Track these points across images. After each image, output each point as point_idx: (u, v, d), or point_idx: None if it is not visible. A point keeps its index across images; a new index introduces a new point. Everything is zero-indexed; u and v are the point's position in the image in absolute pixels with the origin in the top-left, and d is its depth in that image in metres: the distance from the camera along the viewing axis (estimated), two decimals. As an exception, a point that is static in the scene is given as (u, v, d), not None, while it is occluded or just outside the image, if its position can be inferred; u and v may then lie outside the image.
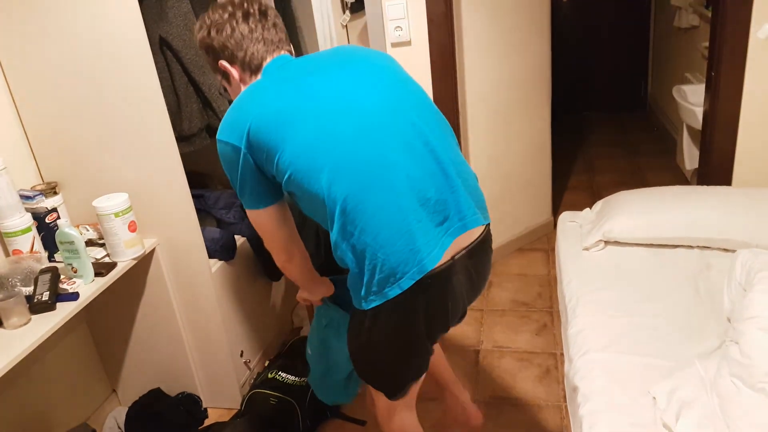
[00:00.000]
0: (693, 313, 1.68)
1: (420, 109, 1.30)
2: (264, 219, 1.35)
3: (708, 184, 2.57)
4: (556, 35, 3.10)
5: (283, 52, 1.35)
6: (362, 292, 1.23)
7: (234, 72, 1.34)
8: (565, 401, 2.04)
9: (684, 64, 4.10)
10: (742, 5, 2.25)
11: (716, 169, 2.57)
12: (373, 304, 1.23)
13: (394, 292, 1.20)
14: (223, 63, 1.34)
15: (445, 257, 1.25)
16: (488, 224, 1.38)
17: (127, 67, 1.73)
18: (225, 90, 1.47)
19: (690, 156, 3.49)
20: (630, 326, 1.65)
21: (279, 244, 1.40)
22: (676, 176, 3.81)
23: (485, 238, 1.35)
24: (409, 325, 1.27)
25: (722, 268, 1.83)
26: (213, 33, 1.32)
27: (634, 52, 5.19)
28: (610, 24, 5.15)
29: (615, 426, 1.33)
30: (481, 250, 1.34)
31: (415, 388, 1.45)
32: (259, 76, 1.32)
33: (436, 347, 1.65)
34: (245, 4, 1.32)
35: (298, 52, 2.60)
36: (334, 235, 1.21)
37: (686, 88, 3.37)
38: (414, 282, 1.20)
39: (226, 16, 1.31)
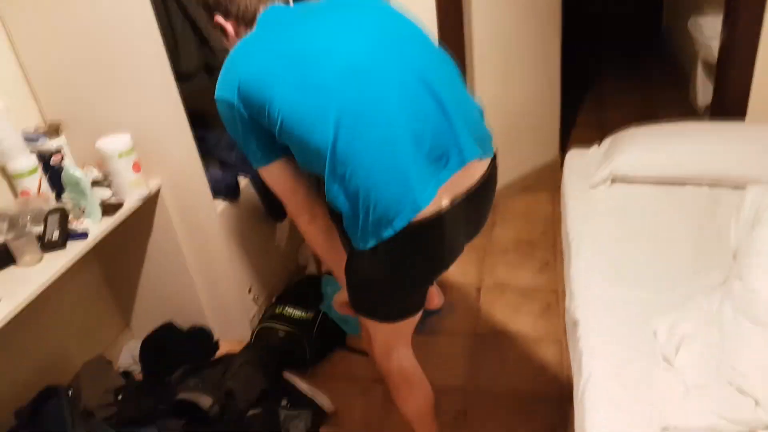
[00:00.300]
0: (698, 250, 1.68)
1: (417, 46, 1.26)
2: (277, 175, 1.32)
3: (721, 120, 2.53)
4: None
5: (276, 1, 1.32)
6: (358, 233, 1.24)
7: (229, 27, 1.32)
8: (565, 335, 2.09)
9: (701, -7, 3.94)
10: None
11: (730, 104, 2.52)
12: (370, 245, 1.23)
13: (388, 233, 1.19)
14: (219, 18, 1.32)
15: (443, 199, 1.23)
16: (493, 159, 1.35)
17: (124, 4, 1.69)
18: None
19: (703, 91, 3.41)
20: (633, 262, 1.66)
21: (299, 202, 1.37)
22: (688, 112, 3.72)
23: (488, 177, 1.32)
24: (406, 265, 1.27)
25: (731, 204, 1.82)
26: None
27: (650, -19, 5.00)
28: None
29: (614, 359, 1.36)
30: (482, 192, 1.32)
31: (411, 324, 1.47)
32: (254, 28, 1.30)
33: None
34: None
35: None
36: (326, 179, 1.20)
37: (702, 19, 3.26)
38: (408, 222, 1.18)
39: None
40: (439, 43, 1.42)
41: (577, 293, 1.62)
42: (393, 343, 1.49)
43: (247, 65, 1.20)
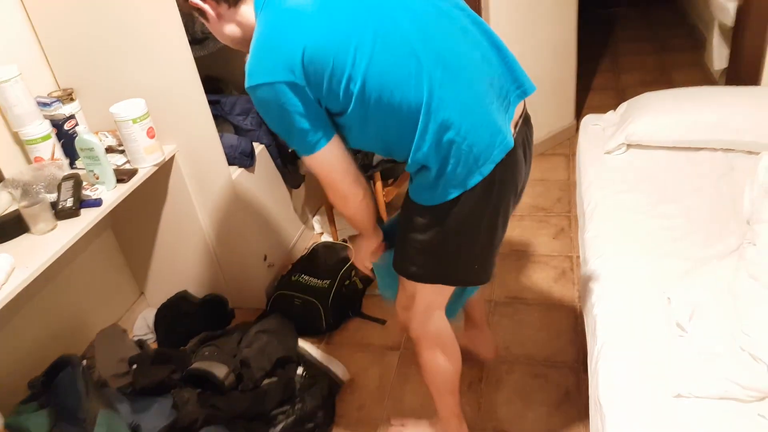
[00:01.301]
0: (713, 216, 1.67)
1: None
2: (333, 156, 1.21)
3: (737, 84, 2.48)
4: None
5: None
6: (440, 188, 1.21)
7: (208, 8, 1.19)
8: (580, 302, 2.09)
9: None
10: None
11: (746, 68, 2.48)
12: (451, 196, 1.22)
13: (475, 180, 1.20)
14: (194, 1, 1.19)
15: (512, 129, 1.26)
16: None
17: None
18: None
19: (719, 55, 3.34)
20: (648, 228, 1.65)
21: (353, 180, 1.27)
22: (704, 75, 3.67)
23: (526, 113, 1.36)
24: (484, 208, 1.26)
25: (746, 170, 1.80)
26: None
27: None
28: None
29: (628, 326, 1.36)
30: (527, 123, 1.36)
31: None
32: (241, 8, 1.19)
33: None
34: None
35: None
36: (416, 139, 1.16)
37: (722, -20, 3.17)
38: (495, 165, 1.20)
39: None
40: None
41: (591, 260, 1.61)
42: (436, 305, 1.48)
43: (308, 37, 1.08)
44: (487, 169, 1.20)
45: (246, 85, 1.12)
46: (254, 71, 1.11)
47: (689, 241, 1.59)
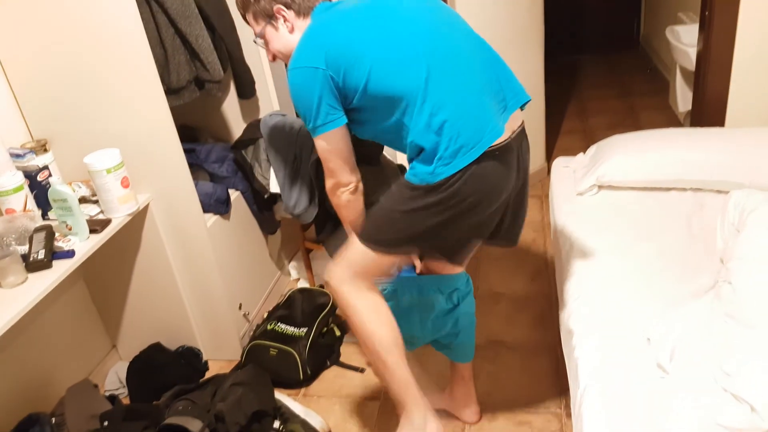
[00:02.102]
0: (686, 254, 1.71)
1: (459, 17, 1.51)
2: (339, 137, 1.42)
3: (701, 126, 2.57)
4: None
5: None
6: (432, 166, 1.35)
7: (289, 15, 1.45)
8: (561, 344, 2.09)
9: (677, 3, 4.03)
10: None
11: (709, 110, 2.57)
12: (441, 177, 1.35)
13: (464, 161, 1.34)
14: (280, 8, 1.45)
15: (506, 133, 1.40)
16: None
17: (113, 20, 1.68)
18: (254, 42, 1.56)
19: (683, 97, 3.48)
20: (624, 268, 1.68)
21: (352, 166, 1.47)
22: (669, 118, 3.80)
23: (523, 125, 1.52)
24: (474, 195, 1.38)
25: (715, 208, 1.85)
26: None
27: (627, -7, 5.10)
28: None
29: (609, 368, 1.37)
30: (524, 135, 1.52)
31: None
32: (309, 20, 1.46)
33: None
34: None
35: None
36: (413, 122, 1.35)
37: (679, 28, 3.33)
38: (485, 149, 1.35)
39: None
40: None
41: (569, 302, 1.62)
42: (374, 272, 1.54)
43: (334, 35, 1.37)
44: (478, 151, 1.34)
45: (289, 67, 1.39)
46: (297, 58, 1.38)
47: (664, 280, 1.61)
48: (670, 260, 1.69)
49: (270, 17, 1.46)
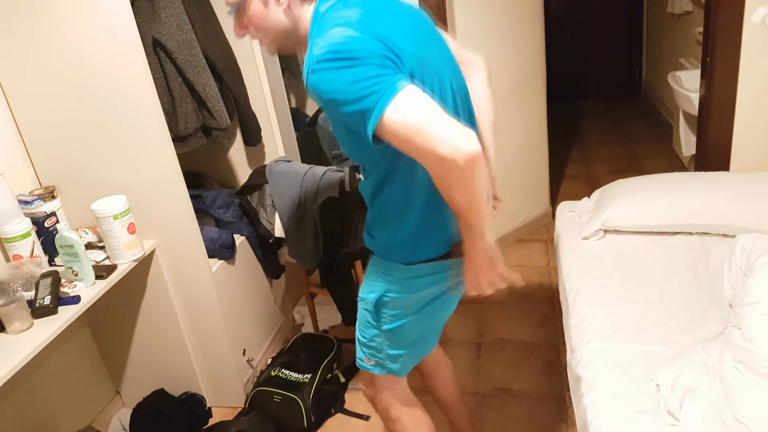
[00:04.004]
0: (694, 299, 1.69)
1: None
2: (418, 95, 1.04)
3: (706, 170, 2.58)
4: (549, 23, 3.10)
5: None
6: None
7: None
8: (569, 391, 2.05)
9: (679, 49, 4.09)
10: (735, -10, 2.25)
11: (714, 155, 2.57)
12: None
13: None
14: None
15: None
16: None
17: (121, 69, 1.72)
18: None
19: (687, 142, 3.49)
20: (631, 314, 1.66)
21: (451, 121, 1.04)
22: (673, 162, 3.81)
23: None
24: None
25: (722, 253, 1.84)
26: None
27: (627, 39, 5.19)
28: (602, 11, 5.14)
29: (619, 414, 1.34)
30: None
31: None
32: (312, 5, 1.20)
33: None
34: None
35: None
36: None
37: (681, 74, 3.37)
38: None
39: None
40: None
41: (577, 348, 1.60)
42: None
43: (374, 24, 1.10)
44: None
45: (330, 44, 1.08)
46: (343, 32, 1.09)
47: (672, 326, 1.59)
48: (677, 305, 1.67)
49: None
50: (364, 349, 1.45)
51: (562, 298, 1.95)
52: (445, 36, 1.36)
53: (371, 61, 1.04)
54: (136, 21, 1.70)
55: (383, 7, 1.17)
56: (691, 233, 2.00)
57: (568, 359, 1.66)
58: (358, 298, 1.42)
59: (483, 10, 2.63)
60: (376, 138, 1.07)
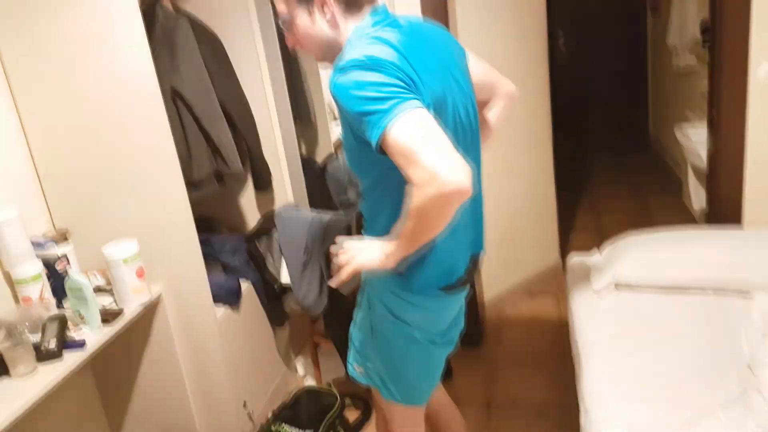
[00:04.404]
0: (711, 360, 1.65)
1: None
2: (428, 117, 1.09)
3: (717, 225, 2.56)
4: (555, 78, 3.15)
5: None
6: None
7: (333, 7, 1.27)
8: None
9: (685, 103, 4.14)
10: (739, 45, 2.26)
11: (725, 209, 2.55)
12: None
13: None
14: None
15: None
16: None
17: (141, 118, 1.75)
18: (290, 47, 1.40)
19: (697, 196, 3.48)
20: (647, 374, 1.62)
21: (448, 141, 1.08)
22: (684, 216, 3.79)
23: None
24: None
25: (738, 312, 1.81)
26: None
27: (633, 93, 5.26)
28: (607, 67, 5.24)
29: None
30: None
31: None
32: (360, 20, 1.27)
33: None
34: None
35: (303, 98, 2.65)
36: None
37: (688, 127, 3.40)
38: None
39: None
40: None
41: (591, 410, 1.56)
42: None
43: (408, 50, 1.17)
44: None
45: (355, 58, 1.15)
46: (369, 50, 1.16)
47: (689, 387, 1.55)
48: (694, 365, 1.63)
49: (308, 1, 1.27)
50: (356, 353, 1.51)
51: (574, 353, 1.91)
52: (477, 63, 1.46)
53: (396, 76, 1.11)
54: (157, 71, 1.73)
55: (421, 35, 1.26)
56: (705, 289, 1.97)
57: (582, 422, 1.61)
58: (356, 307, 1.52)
59: (488, 61, 2.68)
60: (380, 148, 1.11)
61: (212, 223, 2.52)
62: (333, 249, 1.37)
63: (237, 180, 2.27)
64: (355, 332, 1.54)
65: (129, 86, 1.73)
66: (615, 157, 5.29)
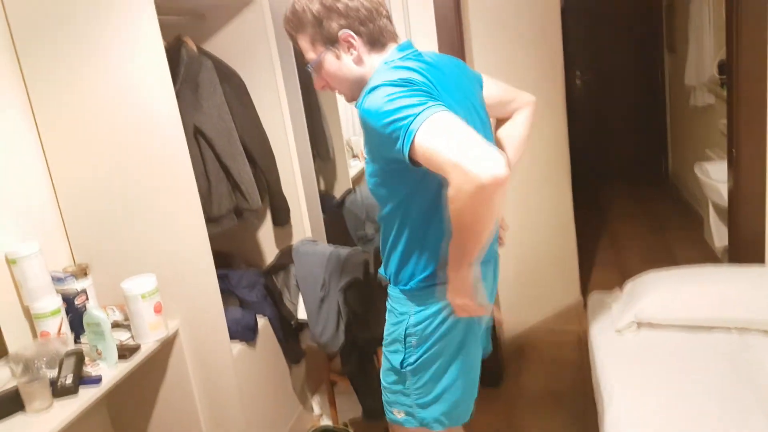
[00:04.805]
0: (735, 399, 1.60)
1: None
2: (449, 117, 1.09)
3: (740, 263, 2.51)
4: (572, 115, 3.16)
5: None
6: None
7: (359, 46, 1.30)
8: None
9: (704, 140, 4.12)
10: (757, 83, 2.26)
11: (747, 246, 2.52)
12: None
13: None
14: (349, 34, 1.28)
15: None
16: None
17: (163, 156, 1.78)
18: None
19: (718, 232, 3.44)
20: (671, 415, 1.58)
21: (478, 135, 1.07)
22: (706, 252, 3.73)
23: None
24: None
25: (763, 350, 1.76)
26: None
27: (652, 130, 5.25)
28: (625, 103, 5.25)
29: None
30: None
31: None
32: (385, 54, 1.32)
33: None
34: None
35: (321, 135, 2.68)
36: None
37: (708, 164, 3.37)
38: None
39: None
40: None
41: (615, 450, 1.51)
42: None
43: (434, 78, 1.23)
44: None
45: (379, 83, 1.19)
46: (395, 69, 1.23)
47: (716, 428, 1.50)
48: (719, 406, 1.58)
49: (333, 43, 1.30)
50: (390, 398, 1.48)
51: (596, 393, 1.86)
52: (494, 82, 1.52)
53: (422, 90, 1.15)
54: (180, 110, 1.77)
55: (444, 67, 1.32)
56: (728, 328, 1.93)
57: (604, 462, 1.56)
58: (383, 344, 1.49)
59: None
60: (411, 154, 1.11)
61: (230, 257, 2.53)
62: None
63: (256, 215, 2.28)
64: (386, 376, 1.51)
65: (153, 125, 1.76)
66: (634, 193, 5.26)
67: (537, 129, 2.84)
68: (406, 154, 1.11)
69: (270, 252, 2.55)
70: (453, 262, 1.21)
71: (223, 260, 2.47)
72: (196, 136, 2.03)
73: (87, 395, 1.57)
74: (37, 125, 1.85)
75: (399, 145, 1.11)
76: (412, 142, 1.08)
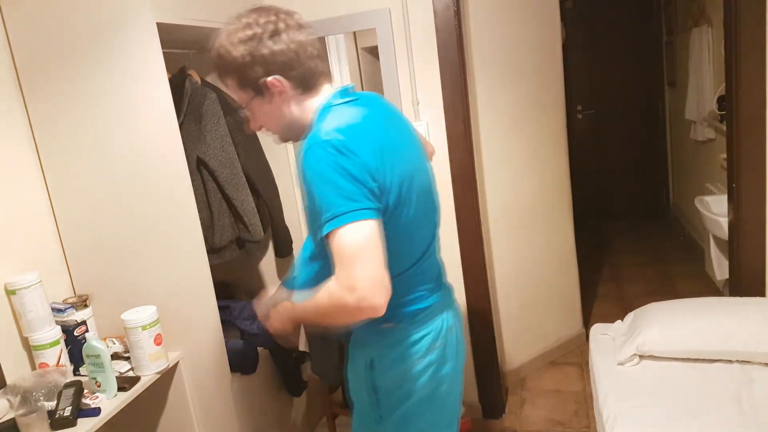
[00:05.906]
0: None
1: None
2: (369, 228, 1.12)
3: (741, 295, 2.51)
4: (574, 149, 3.19)
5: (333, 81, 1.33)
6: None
7: (286, 87, 1.25)
8: None
9: (704, 174, 4.14)
10: (757, 117, 2.29)
11: (748, 279, 2.52)
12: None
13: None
14: (276, 80, 1.23)
15: None
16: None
17: (166, 187, 1.80)
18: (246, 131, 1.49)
19: (719, 265, 3.43)
20: (674, 449, 1.56)
21: (383, 260, 1.12)
22: (707, 285, 3.73)
23: None
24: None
25: (765, 383, 1.75)
26: (267, 41, 1.20)
27: (653, 164, 5.27)
28: (626, 138, 5.28)
29: None
30: None
31: None
32: (319, 96, 1.28)
33: None
34: (291, 15, 1.25)
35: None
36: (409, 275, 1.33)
37: (708, 198, 3.39)
38: None
39: (280, 24, 1.21)
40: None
41: (618, 485, 1.49)
42: None
43: (379, 132, 1.23)
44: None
45: (319, 138, 1.17)
46: (327, 131, 1.18)
47: (720, 464, 1.48)
48: (724, 441, 1.57)
49: (262, 89, 1.24)
50: None
51: (598, 425, 1.85)
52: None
53: (362, 168, 1.14)
54: (183, 141, 1.80)
55: (381, 108, 1.33)
56: (730, 361, 1.92)
57: (607, 498, 1.54)
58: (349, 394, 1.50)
59: (507, 133, 2.74)
60: (325, 237, 1.14)
61: (231, 288, 2.53)
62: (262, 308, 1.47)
63: (258, 246, 2.29)
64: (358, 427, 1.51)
65: (156, 157, 1.79)
66: (635, 225, 5.27)
67: (539, 162, 2.91)
68: (323, 234, 1.14)
69: (273, 283, 2.55)
70: (299, 308, 1.31)
71: (224, 291, 2.47)
72: (199, 167, 2.05)
73: (85, 427, 1.56)
74: (39, 157, 1.88)
75: (321, 220, 1.14)
76: (333, 232, 1.12)
